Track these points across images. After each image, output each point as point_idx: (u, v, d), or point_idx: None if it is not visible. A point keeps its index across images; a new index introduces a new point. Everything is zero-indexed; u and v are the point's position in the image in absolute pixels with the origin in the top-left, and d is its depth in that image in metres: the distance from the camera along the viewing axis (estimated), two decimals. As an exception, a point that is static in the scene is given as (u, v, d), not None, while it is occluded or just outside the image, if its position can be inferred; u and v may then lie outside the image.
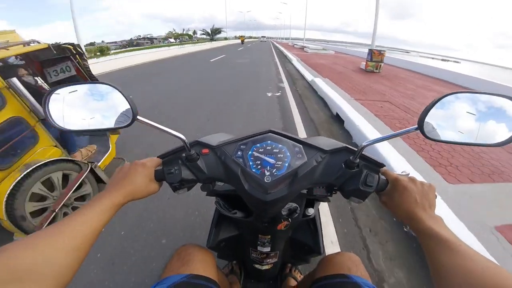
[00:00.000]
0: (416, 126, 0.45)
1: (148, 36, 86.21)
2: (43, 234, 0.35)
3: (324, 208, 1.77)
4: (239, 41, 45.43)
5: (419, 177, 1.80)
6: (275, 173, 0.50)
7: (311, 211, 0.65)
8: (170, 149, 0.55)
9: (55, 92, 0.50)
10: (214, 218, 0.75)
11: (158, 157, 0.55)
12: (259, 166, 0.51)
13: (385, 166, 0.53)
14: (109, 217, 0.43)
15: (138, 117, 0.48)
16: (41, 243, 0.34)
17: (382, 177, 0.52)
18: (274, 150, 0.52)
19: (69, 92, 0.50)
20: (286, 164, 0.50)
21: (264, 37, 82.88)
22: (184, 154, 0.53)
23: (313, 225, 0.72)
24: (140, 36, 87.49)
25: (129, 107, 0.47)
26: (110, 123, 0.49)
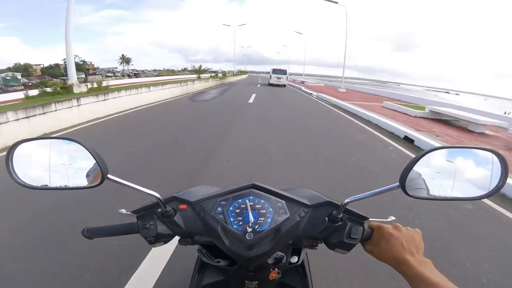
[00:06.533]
0: (398, 183, 0.44)
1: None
2: None
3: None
4: (239, 78, 24.56)
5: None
6: (257, 230, 0.48)
7: (294, 259, 0.63)
8: (145, 204, 0.52)
9: (19, 146, 0.47)
10: (196, 263, 0.71)
11: (132, 212, 0.52)
12: (240, 223, 0.48)
13: (369, 218, 0.52)
14: None
15: (109, 175, 0.45)
16: None
17: (366, 227, 0.52)
18: (257, 206, 0.50)
19: (35, 147, 0.48)
20: (269, 220, 0.49)
21: (281, 71, 21.99)
22: (159, 210, 0.50)
23: (301, 269, 0.70)
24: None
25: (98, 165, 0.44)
26: (77, 182, 0.46)
